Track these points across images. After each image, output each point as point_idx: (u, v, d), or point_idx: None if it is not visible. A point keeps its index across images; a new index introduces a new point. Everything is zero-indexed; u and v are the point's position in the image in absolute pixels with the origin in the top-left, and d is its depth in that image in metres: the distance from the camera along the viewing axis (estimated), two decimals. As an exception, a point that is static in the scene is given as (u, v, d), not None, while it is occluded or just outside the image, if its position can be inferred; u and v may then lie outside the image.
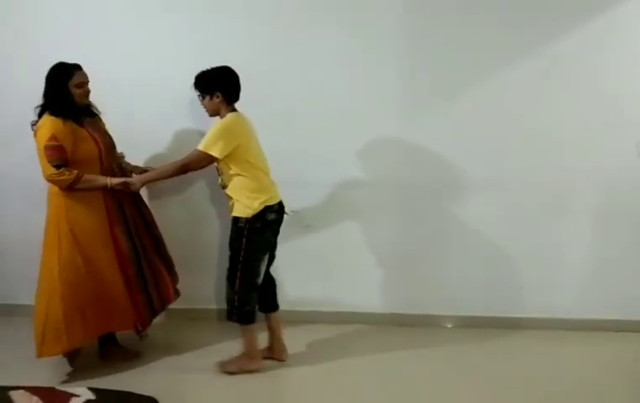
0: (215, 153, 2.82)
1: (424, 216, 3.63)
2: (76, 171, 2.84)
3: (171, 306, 3.39)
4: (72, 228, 2.90)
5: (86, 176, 2.87)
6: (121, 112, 3.28)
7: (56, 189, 2.91)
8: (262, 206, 2.90)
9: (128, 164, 3.29)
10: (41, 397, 2.35)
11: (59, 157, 2.80)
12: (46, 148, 2.79)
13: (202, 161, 2.88)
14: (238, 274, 2.93)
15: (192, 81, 2.94)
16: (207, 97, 2.91)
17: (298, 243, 3.67)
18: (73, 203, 2.90)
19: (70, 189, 2.86)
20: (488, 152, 3.49)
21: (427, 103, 3.51)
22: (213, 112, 2.96)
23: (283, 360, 3.21)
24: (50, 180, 2.85)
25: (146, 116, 3.56)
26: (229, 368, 3.07)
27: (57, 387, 2.39)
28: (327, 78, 3.50)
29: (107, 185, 2.92)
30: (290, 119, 3.55)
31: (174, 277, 3.39)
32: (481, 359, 3.25)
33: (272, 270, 3.22)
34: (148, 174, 3.10)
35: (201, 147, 2.84)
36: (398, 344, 3.44)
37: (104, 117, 3.14)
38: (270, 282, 3.22)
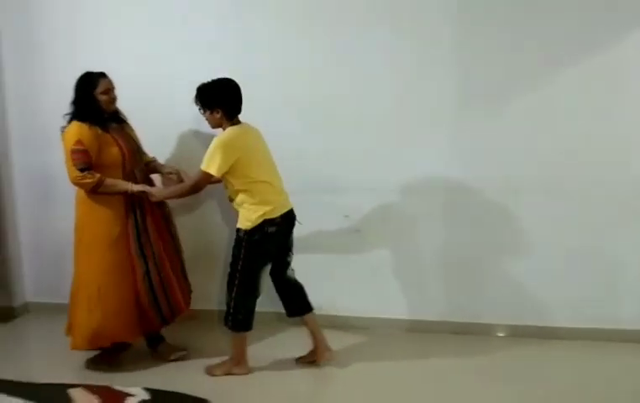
0: (212, 171, 2.83)
1: (476, 221, 3.53)
2: (98, 175, 2.94)
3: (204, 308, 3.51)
4: (95, 233, 3.04)
5: (109, 181, 2.97)
6: (162, 114, 3.42)
7: (83, 195, 3.03)
8: (260, 220, 2.90)
9: (162, 165, 3.39)
10: (98, 395, 2.36)
11: (83, 161, 2.92)
12: (72, 151, 2.92)
13: (205, 181, 2.92)
14: (236, 282, 2.97)
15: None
16: (208, 112, 2.92)
17: (347, 248, 3.64)
18: (94, 208, 3.02)
19: (93, 192, 2.97)
20: (544, 155, 3.38)
21: (480, 105, 3.42)
22: (215, 126, 2.97)
23: (328, 360, 3.18)
24: (75, 182, 2.97)
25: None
26: (215, 372, 3.08)
27: (113, 386, 2.40)
28: (377, 80, 3.46)
29: (128, 191, 3.00)
30: (340, 122, 3.53)
31: (184, 288, 3.37)
32: (533, 370, 3.13)
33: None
34: (167, 191, 3.19)
35: (202, 166, 2.86)
36: (448, 352, 3.35)
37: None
38: (294, 286, 3.20)
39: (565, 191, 3.38)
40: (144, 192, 3.04)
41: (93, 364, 3.18)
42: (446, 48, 3.39)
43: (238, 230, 2.97)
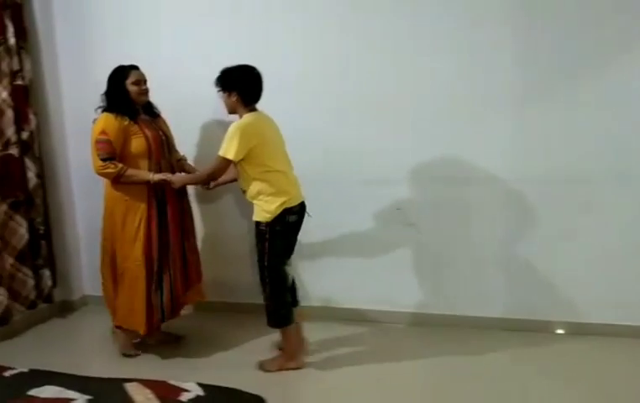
0: (230, 156, 2.80)
1: (539, 213, 3.36)
2: (120, 165, 3.00)
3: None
4: (119, 223, 3.11)
5: (130, 171, 3.02)
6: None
7: (109, 186, 3.11)
8: (280, 210, 2.86)
9: (190, 165, 3.43)
10: (153, 390, 2.34)
11: (107, 151, 2.98)
12: (96, 142, 3.00)
13: (223, 167, 2.89)
14: (267, 279, 2.93)
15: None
16: (225, 94, 2.91)
17: (401, 243, 3.54)
18: (119, 199, 3.09)
19: (116, 182, 3.04)
20: (613, 145, 3.18)
21: (546, 92, 3.24)
22: (231, 110, 2.95)
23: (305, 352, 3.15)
24: (98, 172, 3.04)
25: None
26: (269, 368, 3.04)
27: (168, 381, 2.39)
28: (437, 66, 3.33)
29: (149, 181, 3.03)
30: (396, 111, 3.42)
31: (188, 285, 3.38)
32: (596, 369, 2.99)
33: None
34: (187, 177, 3.22)
35: (220, 152, 2.84)
36: (507, 349, 3.23)
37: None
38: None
39: (636, 182, 3.19)
40: (164, 181, 3.06)
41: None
42: (510, 33, 3.22)
43: (259, 224, 2.91)
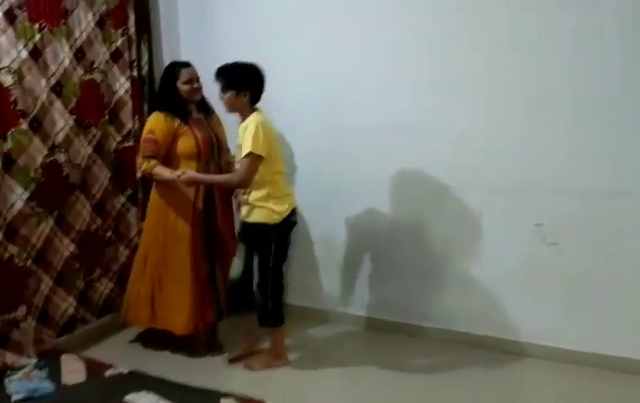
0: (261, 151, 2.71)
1: None
2: (154, 162, 2.94)
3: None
4: (159, 220, 3.07)
5: (157, 169, 2.95)
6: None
7: (155, 186, 3.09)
8: (288, 211, 2.86)
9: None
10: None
11: (151, 149, 2.96)
12: (144, 140, 3.00)
13: (255, 166, 2.74)
14: (270, 279, 2.88)
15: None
16: (233, 93, 2.77)
17: (540, 263, 3.04)
18: (164, 199, 3.06)
19: (150, 178, 3.03)
20: None
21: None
22: (234, 109, 2.83)
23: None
24: (138, 165, 3.06)
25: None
26: (255, 367, 2.98)
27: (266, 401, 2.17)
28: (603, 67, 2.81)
29: (173, 179, 2.92)
30: (540, 114, 2.95)
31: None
32: None
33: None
34: (215, 177, 3.08)
35: (249, 149, 2.69)
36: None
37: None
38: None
39: None
40: (192, 180, 2.94)
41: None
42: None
43: (265, 227, 2.83)
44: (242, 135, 2.77)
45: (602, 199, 2.87)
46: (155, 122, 2.98)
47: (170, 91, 3.01)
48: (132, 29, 3.47)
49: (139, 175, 3.08)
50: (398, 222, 3.36)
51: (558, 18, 2.83)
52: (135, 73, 3.51)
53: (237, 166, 2.87)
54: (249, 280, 2.96)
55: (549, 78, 2.89)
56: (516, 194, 3.03)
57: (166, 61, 3.68)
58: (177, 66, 3.04)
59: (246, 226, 2.91)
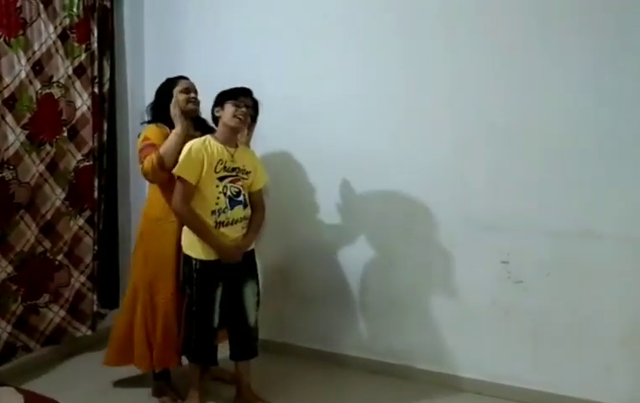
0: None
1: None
2: (155, 152, 2.64)
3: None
4: (145, 252, 2.83)
5: (161, 150, 2.64)
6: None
7: (146, 208, 2.87)
8: None
9: None
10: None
11: (148, 151, 2.67)
12: (140, 150, 2.72)
13: None
14: (259, 303, 2.79)
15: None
16: (253, 124, 2.85)
17: (504, 302, 2.98)
18: (150, 227, 2.82)
19: (162, 169, 2.62)
20: None
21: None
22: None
23: None
24: (143, 172, 2.69)
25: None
26: None
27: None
28: (563, 102, 2.81)
29: (181, 125, 2.68)
30: (510, 147, 2.94)
31: None
32: None
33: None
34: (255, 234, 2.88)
35: (266, 179, 2.86)
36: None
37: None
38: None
39: None
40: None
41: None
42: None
43: (253, 253, 2.78)
44: (252, 159, 2.75)
45: (570, 239, 2.84)
46: (148, 131, 2.78)
47: (164, 101, 2.80)
48: (95, 45, 3.35)
49: (151, 177, 2.71)
50: (365, 253, 3.28)
51: (534, 53, 2.84)
52: (96, 90, 3.38)
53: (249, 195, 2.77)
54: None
55: (523, 114, 2.88)
56: (485, 230, 2.99)
57: (130, 78, 3.60)
58: (174, 78, 2.88)
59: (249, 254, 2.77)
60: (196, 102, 2.86)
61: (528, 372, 2.96)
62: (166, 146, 2.64)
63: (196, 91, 2.87)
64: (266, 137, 3.14)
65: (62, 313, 3.31)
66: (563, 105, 2.80)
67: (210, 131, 2.80)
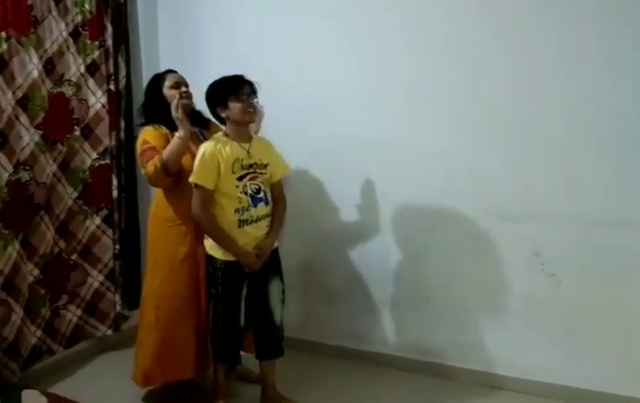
0: None
1: None
2: (158, 156, 2.51)
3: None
4: (159, 254, 2.74)
5: (164, 153, 2.52)
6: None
7: (153, 211, 2.79)
8: None
9: None
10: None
11: (150, 156, 2.55)
12: (140, 154, 2.60)
13: None
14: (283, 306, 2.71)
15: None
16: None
17: (537, 296, 2.85)
18: (161, 226, 2.72)
19: (167, 174, 2.52)
20: None
21: None
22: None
23: None
24: (147, 177, 2.58)
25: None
26: None
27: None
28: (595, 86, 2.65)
29: (184, 129, 2.54)
30: (533, 134, 2.79)
31: None
32: None
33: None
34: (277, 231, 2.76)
35: (288, 171, 2.77)
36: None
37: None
38: None
39: None
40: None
41: None
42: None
43: (277, 250, 2.70)
44: (268, 150, 2.64)
45: (604, 230, 2.70)
46: (145, 134, 2.65)
47: (155, 101, 2.71)
48: (109, 41, 3.27)
49: (155, 182, 2.62)
50: (391, 248, 3.17)
51: (557, 43, 2.70)
52: (112, 87, 3.30)
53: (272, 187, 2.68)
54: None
55: (550, 102, 2.74)
56: (515, 221, 2.86)
57: (145, 75, 3.52)
58: (161, 73, 2.79)
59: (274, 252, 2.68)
60: (189, 96, 2.73)
61: (564, 367, 2.83)
62: (170, 151, 2.53)
63: (186, 84, 2.74)
64: (283, 131, 3.03)
65: (79, 312, 3.28)
66: (589, 90, 2.66)
67: (206, 124, 2.75)
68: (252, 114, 2.53)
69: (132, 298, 3.48)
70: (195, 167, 2.45)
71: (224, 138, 2.53)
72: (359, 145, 3.12)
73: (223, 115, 2.52)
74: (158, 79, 2.77)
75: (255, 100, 2.54)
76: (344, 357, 3.29)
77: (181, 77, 2.77)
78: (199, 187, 2.45)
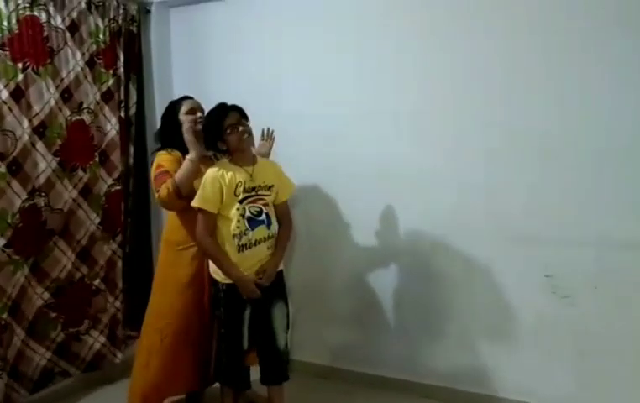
0: None
1: None
2: (170, 180, 2.57)
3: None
4: (166, 276, 2.79)
5: (176, 177, 2.57)
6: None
7: (165, 237, 2.82)
8: None
9: None
10: None
11: (162, 179, 2.60)
12: (154, 178, 2.64)
13: None
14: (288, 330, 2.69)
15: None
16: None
17: (549, 319, 2.82)
18: (170, 250, 2.78)
19: (179, 196, 2.56)
20: None
21: None
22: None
23: None
24: (158, 201, 2.63)
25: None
26: None
27: None
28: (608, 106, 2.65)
29: (195, 150, 2.60)
30: (549, 156, 2.78)
31: None
32: None
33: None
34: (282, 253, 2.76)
35: (292, 190, 2.75)
36: None
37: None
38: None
39: None
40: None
41: None
42: None
43: (282, 272, 2.69)
44: (274, 172, 2.66)
45: (618, 252, 2.66)
46: (159, 158, 2.71)
47: (171, 126, 2.77)
48: (121, 69, 3.36)
49: (167, 205, 2.66)
50: (400, 269, 3.17)
51: (568, 60, 2.70)
52: (123, 114, 3.38)
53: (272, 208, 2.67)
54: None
55: (560, 122, 2.73)
56: (526, 242, 2.84)
57: (158, 102, 3.59)
58: (178, 100, 2.84)
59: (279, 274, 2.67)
60: (203, 122, 2.76)
61: (576, 393, 2.79)
62: (181, 173, 2.57)
63: (202, 110, 2.80)
64: (294, 154, 3.08)
65: (102, 339, 3.31)
66: (602, 110, 2.65)
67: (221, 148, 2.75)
68: (247, 139, 2.55)
69: (138, 322, 3.50)
70: (198, 192, 2.49)
71: (228, 163, 2.57)
72: (371, 168, 3.14)
73: (222, 147, 2.56)
74: (174, 105, 2.83)
75: (244, 124, 2.55)
76: (356, 381, 3.28)
77: (197, 103, 2.82)
78: (202, 212, 2.48)
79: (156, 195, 2.64)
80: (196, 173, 2.58)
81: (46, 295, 3.01)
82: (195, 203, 2.48)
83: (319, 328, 3.43)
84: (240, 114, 2.55)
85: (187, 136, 2.59)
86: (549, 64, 2.73)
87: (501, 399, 2.95)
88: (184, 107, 2.77)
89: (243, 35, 3.49)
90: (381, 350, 3.25)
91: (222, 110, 2.53)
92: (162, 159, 2.69)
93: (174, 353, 2.72)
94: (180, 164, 2.66)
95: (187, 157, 2.60)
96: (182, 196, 2.57)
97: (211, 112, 2.57)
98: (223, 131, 2.49)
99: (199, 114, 2.75)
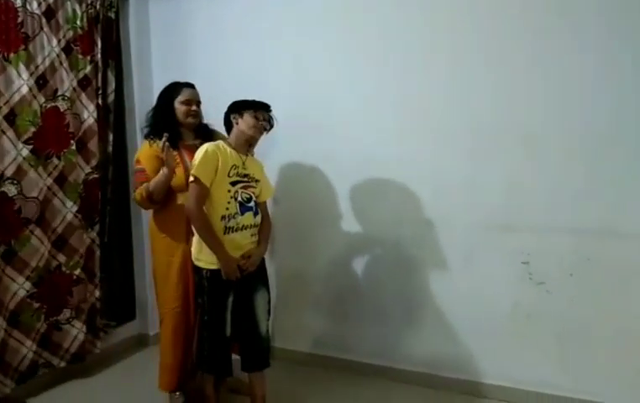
0: None
1: None
2: (144, 186, 2.66)
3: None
4: (159, 263, 2.83)
5: (151, 185, 2.66)
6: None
7: (151, 225, 2.85)
8: None
9: None
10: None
11: (140, 180, 2.70)
12: (133, 173, 2.78)
13: None
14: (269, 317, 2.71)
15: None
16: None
17: (526, 305, 2.85)
18: (158, 237, 2.81)
19: (152, 202, 2.69)
20: None
21: None
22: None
23: None
24: (135, 201, 2.74)
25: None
26: None
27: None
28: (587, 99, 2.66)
29: (169, 166, 2.62)
30: (528, 146, 2.80)
31: None
32: None
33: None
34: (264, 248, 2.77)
35: (272, 190, 2.83)
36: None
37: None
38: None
39: None
40: None
41: None
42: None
43: (263, 259, 2.69)
44: (261, 170, 2.72)
45: (595, 240, 2.69)
46: (141, 150, 2.74)
47: (164, 110, 2.75)
48: (98, 56, 3.31)
49: (141, 207, 2.77)
50: (381, 259, 3.18)
51: (546, 58, 2.71)
52: (100, 101, 3.34)
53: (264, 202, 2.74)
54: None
55: (541, 113, 2.74)
56: (503, 231, 2.86)
57: (137, 90, 3.55)
58: (179, 85, 2.80)
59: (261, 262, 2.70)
60: (197, 116, 2.80)
61: (554, 376, 2.82)
62: (155, 183, 2.64)
63: (198, 103, 2.80)
64: (279, 143, 3.08)
65: (85, 329, 3.28)
66: (581, 102, 2.66)
67: (210, 138, 2.72)
68: (257, 132, 2.59)
69: (121, 311, 3.49)
70: (197, 162, 2.46)
71: (226, 144, 2.57)
72: (354, 159, 3.16)
73: (234, 121, 2.58)
74: (173, 88, 2.80)
75: (264, 125, 2.60)
76: (335, 367, 3.31)
77: (195, 95, 2.81)
78: (197, 182, 2.46)
79: (133, 193, 2.75)
80: (168, 183, 2.65)
81: (28, 285, 2.97)
82: (193, 172, 2.46)
83: (300, 316, 3.43)
84: (270, 122, 2.66)
85: (161, 154, 2.60)
86: (531, 59, 2.74)
87: (480, 383, 2.98)
88: (181, 96, 2.76)
89: (223, 22, 3.46)
90: (361, 337, 3.26)
91: (264, 105, 2.63)
92: (141, 155, 2.74)
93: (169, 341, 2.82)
94: (157, 160, 2.67)
95: (162, 171, 2.63)
96: (154, 201, 2.69)
97: (255, 100, 2.62)
98: (250, 111, 2.58)
99: (193, 107, 2.76)
